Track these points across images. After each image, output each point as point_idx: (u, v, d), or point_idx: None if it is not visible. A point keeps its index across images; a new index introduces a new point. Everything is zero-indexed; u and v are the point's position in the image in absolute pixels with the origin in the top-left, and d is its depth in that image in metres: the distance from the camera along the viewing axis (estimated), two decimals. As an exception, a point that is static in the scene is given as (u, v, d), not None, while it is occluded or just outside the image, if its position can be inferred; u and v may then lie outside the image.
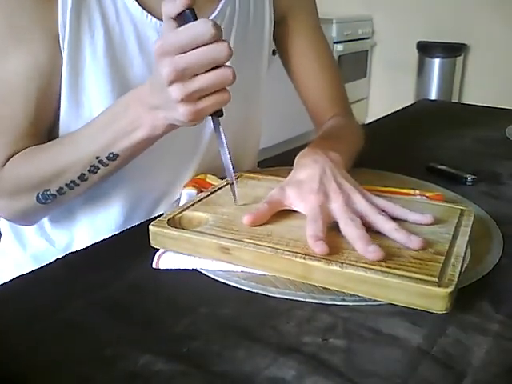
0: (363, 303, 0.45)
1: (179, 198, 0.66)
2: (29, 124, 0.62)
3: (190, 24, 0.47)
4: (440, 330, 0.42)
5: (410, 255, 0.47)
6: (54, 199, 0.61)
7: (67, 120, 0.64)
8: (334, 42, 3.16)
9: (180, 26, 0.47)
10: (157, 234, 0.53)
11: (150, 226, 0.53)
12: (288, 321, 0.43)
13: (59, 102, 0.63)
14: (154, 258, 0.52)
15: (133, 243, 0.56)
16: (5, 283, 0.49)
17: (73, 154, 0.59)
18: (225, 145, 0.55)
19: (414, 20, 3.26)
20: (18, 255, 0.75)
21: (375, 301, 0.45)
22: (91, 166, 0.58)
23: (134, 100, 0.55)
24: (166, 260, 0.52)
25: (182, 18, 0.48)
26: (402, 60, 3.38)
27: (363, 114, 3.54)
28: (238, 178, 0.67)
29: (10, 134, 0.62)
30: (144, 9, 0.62)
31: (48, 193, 0.60)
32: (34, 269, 0.52)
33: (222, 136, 0.54)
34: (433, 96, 3.17)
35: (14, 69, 0.60)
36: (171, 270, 0.51)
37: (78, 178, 0.59)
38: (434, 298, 0.42)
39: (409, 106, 1.33)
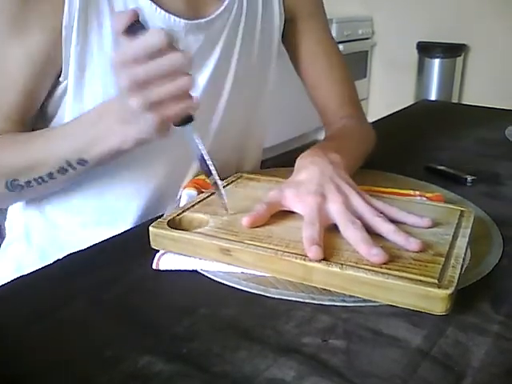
0: (363, 304, 0.45)
1: (179, 199, 0.66)
2: (14, 109, 0.62)
3: (142, 35, 0.48)
4: (440, 331, 0.42)
5: (410, 257, 0.47)
6: (22, 190, 0.61)
7: (71, 113, 0.64)
8: (334, 43, 3.15)
9: (132, 38, 0.48)
10: (157, 235, 0.53)
11: (151, 227, 0.53)
12: (288, 322, 0.43)
13: (47, 93, 0.64)
14: (154, 259, 0.52)
15: (133, 244, 0.56)
16: (5, 283, 0.49)
17: (44, 152, 0.59)
18: (204, 152, 0.54)
19: (414, 20, 3.26)
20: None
21: (375, 302, 0.45)
22: (60, 167, 0.58)
23: (106, 112, 0.55)
24: (166, 261, 0.52)
25: (133, 32, 0.48)
26: (402, 60, 3.38)
27: (363, 114, 3.53)
28: (238, 179, 0.67)
29: None
30: (153, 1, 0.63)
31: (16, 183, 0.60)
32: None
33: (198, 142, 0.53)
34: (433, 96, 3.17)
35: (9, 56, 0.60)
36: (171, 270, 0.51)
37: (47, 175, 0.59)
38: (434, 300, 0.42)
39: (409, 107, 1.33)
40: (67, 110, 0.65)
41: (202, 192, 0.64)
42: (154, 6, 0.63)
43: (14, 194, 0.62)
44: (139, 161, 0.68)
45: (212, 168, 0.55)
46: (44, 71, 0.62)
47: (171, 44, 0.47)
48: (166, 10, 0.63)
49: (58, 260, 0.54)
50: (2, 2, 0.59)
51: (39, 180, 0.60)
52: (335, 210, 0.52)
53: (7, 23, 0.59)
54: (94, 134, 0.56)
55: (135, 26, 0.49)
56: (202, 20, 0.67)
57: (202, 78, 0.69)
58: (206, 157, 0.54)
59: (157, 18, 0.63)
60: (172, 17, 0.64)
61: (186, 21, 0.65)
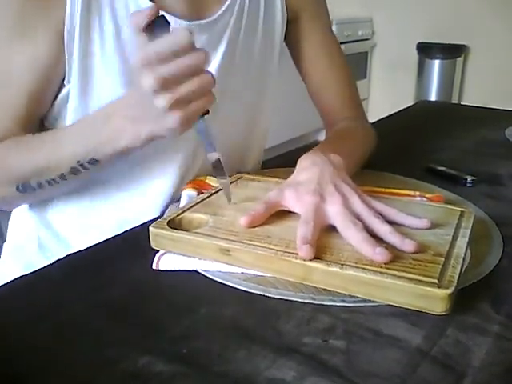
0: (363, 304, 0.45)
1: (179, 200, 0.66)
2: (20, 114, 0.62)
3: (168, 34, 0.49)
4: (440, 331, 0.42)
5: (410, 257, 0.47)
6: (34, 191, 0.62)
7: (75, 116, 0.64)
8: (334, 43, 3.15)
9: (152, 35, 0.49)
10: (157, 235, 0.53)
11: (151, 228, 0.53)
12: (288, 322, 0.43)
13: (53, 98, 0.64)
14: (154, 259, 0.52)
15: (133, 244, 0.56)
16: (5, 283, 0.49)
17: (55, 154, 0.59)
18: (214, 145, 0.55)
19: (413, 21, 3.26)
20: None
21: (375, 302, 0.45)
22: (72, 168, 0.59)
23: (114, 112, 0.56)
24: (166, 261, 0.52)
25: (152, 28, 0.49)
26: (402, 61, 3.38)
27: (363, 115, 3.53)
28: (239, 179, 0.67)
29: (2, 117, 0.62)
30: (154, 2, 0.62)
31: (27, 185, 0.61)
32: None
33: (207, 135, 0.55)
34: (433, 97, 3.17)
35: (15, 60, 0.60)
36: (171, 271, 0.51)
37: (58, 177, 0.60)
38: (434, 300, 0.42)
39: (409, 107, 1.33)
40: (71, 112, 0.65)
41: (202, 192, 0.64)
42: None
43: (25, 196, 0.63)
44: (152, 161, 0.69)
45: (223, 166, 0.56)
46: (48, 75, 0.62)
47: (193, 43, 0.49)
48: (167, 11, 0.63)
49: (58, 260, 0.54)
50: (4, 7, 0.59)
51: (51, 181, 0.60)
52: (334, 212, 0.52)
53: (11, 27, 0.59)
54: (104, 134, 0.56)
55: (154, 24, 0.49)
56: (204, 21, 0.67)
57: None
58: (216, 150, 0.55)
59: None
60: (173, 18, 0.64)
61: (188, 22, 0.65)
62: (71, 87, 0.63)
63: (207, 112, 0.53)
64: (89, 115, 0.59)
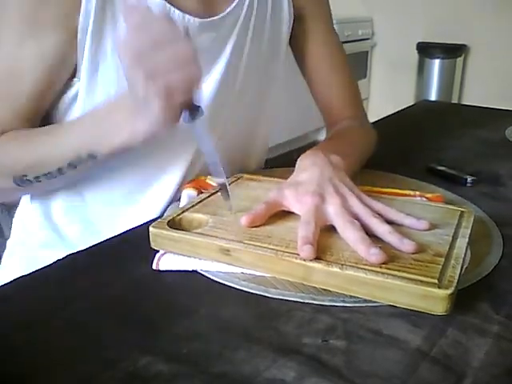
0: (363, 304, 0.45)
1: (179, 199, 0.66)
2: (25, 109, 0.62)
3: (148, 22, 0.49)
4: (440, 332, 0.42)
5: (410, 257, 0.47)
6: (31, 185, 0.62)
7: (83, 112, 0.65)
8: (334, 43, 3.15)
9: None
10: (157, 235, 0.53)
11: (151, 228, 0.53)
12: (288, 322, 0.43)
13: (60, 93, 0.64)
14: (154, 259, 0.52)
15: (133, 244, 0.56)
16: (5, 283, 0.49)
17: (54, 147, 0.60)
18: (211, 147, 0.54)
19: (413, 21, 3.26)
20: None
21: (375, 302, 0.45)
22: (70, 162, 0.59)
23: (115, 107, 0.56)
24: (166, 261, 0.52)
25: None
26: (402, 61, 3.38)
27: (363, 114, 3.53)
28: (239, 179, 0.67)
29: (7, 111, 0.62)
30: (168, 2, 0.62)
31: (25, 178, 0.61)
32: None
33: (204, 136, 0.54)
34: (433, 97, 3.17)
35: (23, 56, 0.60)
36: (171, 271, 0.51)
37: (56, 170, 0.60)
38: (434, 300, 0.42)
39: (409, 107, 1.33)
40: (79, 109, 0.65)
41: (202, 192, 0.64)
42: (168, 5, 0.62)
43: (22, 189, 0.63)
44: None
45: (220, 167, 0.55)
46: (57, 72, 0.62)
47: (180, 32, 0.49)
48: (178, 8, 0.63)
49: (58, 260, 0.54)
50: (15, 2, 0.59)
51: (48, 175, 0.60)
52: (333, 212, 0.52)
53: (21, 23, 0.59)
54: (103, 129, 0.57)
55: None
56: (216, 17, 0.67)
57: (214, 75, 0.69)
58: (214, 153, 0.54)
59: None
60: (186, 16, 0.64)
61: (201, 19, 0.65)
62: (80, 85, 0.63)
63: (200, 112, 0.53)
64: (90, 110, 0.59)
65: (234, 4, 0.69)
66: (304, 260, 0.46)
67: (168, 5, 0.63)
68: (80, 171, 0.60)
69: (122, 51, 0.49)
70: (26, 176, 0.61)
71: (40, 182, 0.61)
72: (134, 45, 0.49)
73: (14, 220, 0.79)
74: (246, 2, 0.70)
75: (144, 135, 0.55)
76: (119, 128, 0.55)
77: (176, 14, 0.63)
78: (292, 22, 0.78)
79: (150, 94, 0.49)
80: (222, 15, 0.68)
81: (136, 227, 0.61)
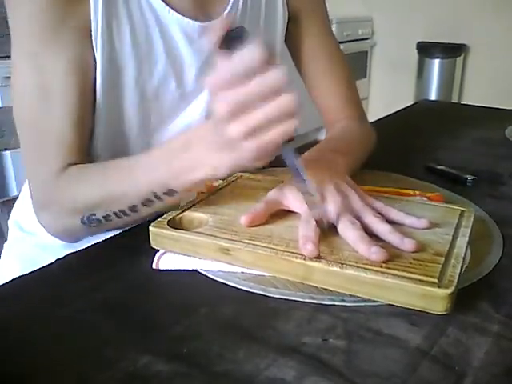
0: (363, 304, 0.45)
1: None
2: (69, 134, 0.59)
3: (236, 55, 0.43)
4: (440, 331, 0.42)
5: (410, 256, 0.47)
6: (100, 224, 0.58)
7: (103, 131, 0.64)
8: (334, 43, 3.16)
9: (229, 51, 0.44)
10: (157, 234, 0.53)
11: (151, 227, 0.53)
12: (288, 321, 0.43)
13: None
14: (154, 258, 0.52)
15: (133, 244, 0.56)
16: (5, 283, 0.49)
17: (127, 183, 0.56)
18: (302, 172, 0.49)
19: (413, 20, 3.26)
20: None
21: (375, 301, 0.45)
22: (145, 199, 0.54)
23: (196, 140, 0.51)
24: (166, 261, 0.52)
25: (229, 41, 0.44)
26: (402, 60, 3.38)
27: (363, 114, 3.53)
28: (238, 179, 0.67)
29: (58, 142, 0.59)
30: (167, 4, 0.62)
31: (93, 217, 0.58)
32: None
33: (296, 164, 0.48)
34: (433, 96, 3.17)
35: (51, 68, 0.57)
36: (171, 270, 0.51)
37: (129, 208, 0.56)
38: (434, 299, 0.42)
39: (409, 107, 1.33)
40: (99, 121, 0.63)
41: (202, 192, 0.64)
42: (167, 7, 0.62)
43: (89, 228, 0.60)
44: None
45: (309, 184, 0.50)
46: (84, 80, 0.59)
47: (269, 59, 0.43)
48: (179, 13, 0.63)
49: (58, 260, 0.54)
50: (28, 14, 0.56)
51: (120, 213, 0.56)
52: (333, 211, 0.52)
53: (39, 34, 0.56)
54: (183, 164, 0.52)
55: (231, 37, 0.44)
56: (215, 21, 0.66)
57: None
58: (303, 175, 0.49)
59: (171, 21, 0.63)
60: (185, 19, 0.64)
61: (200, 23, 0.65)
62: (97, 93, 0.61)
63: (292, 138, 0.47)
64: (168, 142, 0.54)
65: (229, 7, 0.69)
66: (304, 259, 0.46)
67: (167, 7, 0.62)
68: (155, 208, 0.56)
69: (209, 85, 0.44)
70: (94, 215, 0.57)
71: (110, 221, 0.58)
72: (221, 78, 0.44)
73: (9, 221, 0.79)
74: (240, 5, 0.70)
75: (230, 169, 0.50)
76: (202, 162, 0.50)
77: (174, 16, 0.63)
78: (286, 22, 0.77)
79: (237, 135, 0.44)
80: (219, 19, 0.67)
81: (136, 226, 0.61)
